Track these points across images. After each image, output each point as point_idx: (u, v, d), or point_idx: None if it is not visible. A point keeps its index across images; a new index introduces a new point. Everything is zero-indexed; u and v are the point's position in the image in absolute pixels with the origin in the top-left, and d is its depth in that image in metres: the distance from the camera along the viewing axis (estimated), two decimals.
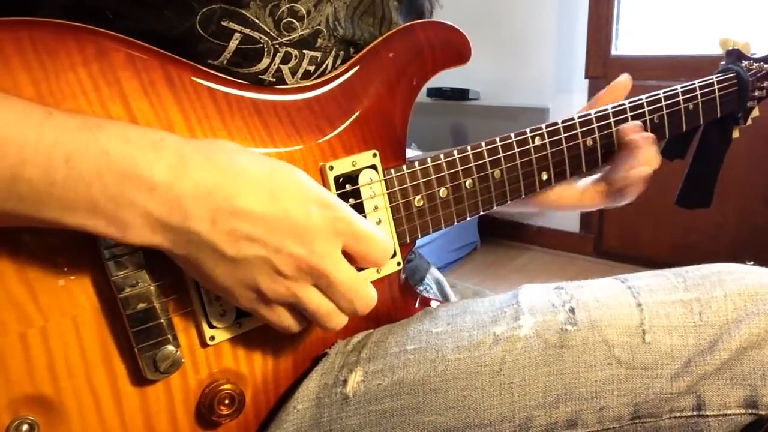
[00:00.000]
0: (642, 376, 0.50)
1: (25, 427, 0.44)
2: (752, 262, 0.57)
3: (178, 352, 0.48)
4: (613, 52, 2.72)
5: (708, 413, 0.49)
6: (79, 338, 0.46)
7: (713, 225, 2.54)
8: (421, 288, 0.80)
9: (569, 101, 2.82)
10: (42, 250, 0.44)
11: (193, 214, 0.42)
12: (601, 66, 2.73)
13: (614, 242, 2.86)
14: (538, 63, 2.91)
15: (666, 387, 0.49)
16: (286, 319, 0.48)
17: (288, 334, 0.50)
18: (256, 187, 0.44)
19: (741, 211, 2.49)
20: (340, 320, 0.49)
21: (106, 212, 0.41)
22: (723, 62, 0.85)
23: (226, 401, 0.50)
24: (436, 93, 3.02)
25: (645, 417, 0.50)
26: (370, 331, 0.59)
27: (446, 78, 2.98)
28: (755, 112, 0.87)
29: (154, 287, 0.47)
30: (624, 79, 0.75)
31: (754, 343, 0.49)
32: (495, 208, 0.66)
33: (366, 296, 0.49)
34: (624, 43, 2.74)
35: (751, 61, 0.85)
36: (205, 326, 0.50)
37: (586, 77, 2.77)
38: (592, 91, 2.76)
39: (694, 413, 0.49)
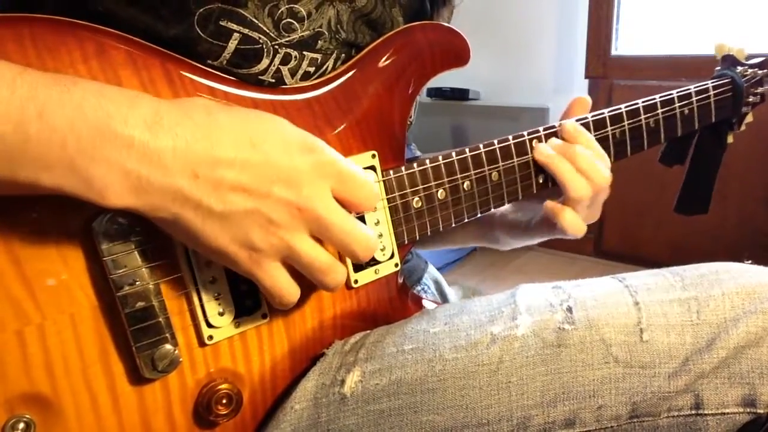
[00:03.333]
0: (640, 375, 0.50)
1: (21, 425, 0.44)
2: (750, 261, 0.57)
3: (176, 351, 0.48)
4: (613, 52, 2.73)
5: (706, 412, 0.49)
6: (77, 336, 0.45)
7: (713, 226, 2.54)
8: (419, 288, 0.80)
9: (569, 101, 2.82)
10: (40, 246, 0.44)
11: (174, 168, 0.41)
12: (601, 66, 2.73)
13: (614, 242, 2.86)
14: (538, 63, 2.91)
15: (664, 386, 0.49)
16: (282, 282, 0.46)
17: (285, 306, 0.48)
18: (235, 136, 0.43)
19: (741, 212, 2.49)
20: (338, 274, 0.48)
21: (81, 171, 0.39)
22: (718, 68, 0.86)
23: (224, 401, 0.50)
24: (436, 93, 3.02)
25: (643, 416, 0.50)
26: (368, 331, 0.59)
27: (446, 78, 2.97)
28: (749, 118, 0.88)
29: (152, 285, 0.47)
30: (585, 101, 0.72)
31: (752, 341, 0.49)
32: (492, 210, 0.66)
33: (365, 237, 0.47)
34: (624, 43, 2.74)
35: (746, 67, 0.85)
36: (203, 325, 0.50)
37: (586, 77, 2.78)
38: (592, 91, 2.77)
39: (693, 412, 0.49)
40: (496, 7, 2.95)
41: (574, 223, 0.65)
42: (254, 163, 0.43)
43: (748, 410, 0.49)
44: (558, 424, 0.50)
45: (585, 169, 0.64)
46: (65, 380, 0.45)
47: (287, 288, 0.47)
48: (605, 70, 2.73)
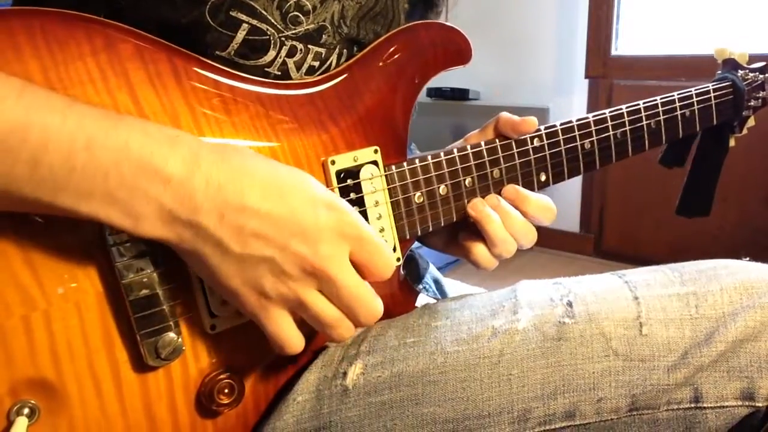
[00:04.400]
0: (639, 368, 0.50)
1: (26, 410, 0.44)
2: (748, 258, 0.57)
3: (180, 339, 0.48)
4: (613, 52, 2.73)
5: (705, 405, 0.50)
6: (82, 323, 0.46)
7: (713, 225, 2.54)
8: (420, 287, 0.80)
9: (569, 101, 2.83)
10: (47, 234, 0.44)
11: (203, 208, 0.43)
12: (601, 66, 2.74)
13: (614, 242, 2.86)
14: (538, 63, 2.91)
15: (663, 379, 0.50)
16: (286, 331, 0.47)
17: (286, 354, 0.48)
18: (265, 186, 0.45)
19: (741, 212, 2.50)
20: (345, 330, 0.48)
21: (120, 202, 0.41)
22: (719, 71, 0.86)
23: (226, 390, 0.51)
24: (436, 93, 3.02)
25: (642, 409, 0.50)
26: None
27: (447, 78, 2.97)
28: (751, 122, 0.88)
29: (157, 274, 0.47)
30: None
31: (750, 335, 0.50)
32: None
33: (371, 306, 0.48)
34: (624, 43, 2.74)
35: (747, 71, 0.86)
36: (206, 315, 0.50)
37: (586, 77, 2.78)
38: (592, 91, 2.77)
39: (692, 405, 0.50)
40: (496, 8, 2.96)
41: (488, 259, 0.63)
42: (278, 214, 0.44)
43: (747, 404, 0.49)
44: (558, 416, 0.50)
45: (515, 231, 0.62)
46: (70, 366, 0.45)
47: (290, 338, 0.48)
48: (605, 70, 2.73)
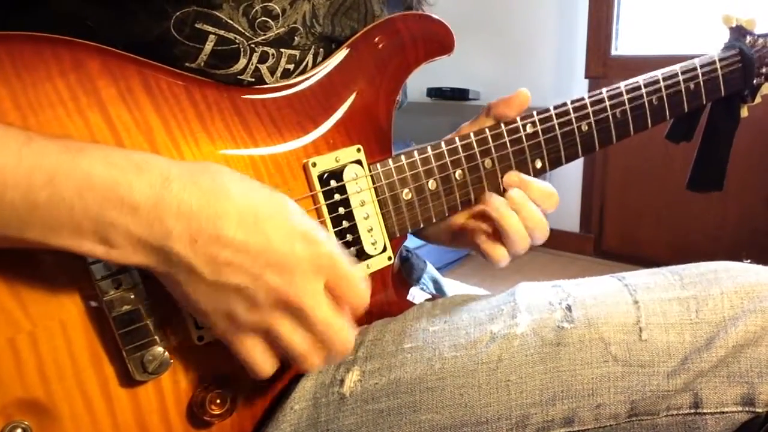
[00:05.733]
0: (639, 374, 0.50)
1: (18, 431, 0.44)
2: (749, 260, 0.57)
3: (166, 353, 0.48)
4: (613, 52, 2.73)
5: (705, 411, 0.49)
6: (68, 342, 0.46)
7: (713, 225, 2.54)
8: (418, 287, 0.80)
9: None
10: (28, 256, 0.44)
11: (173, 232, 0.42)
12: (601, 66, 2.74)
13: (614, 242, 2.86)
14: (538, 63, 2.91)
15: (663, 384, 0.49)
16: (257, 356, 0.46)
17: (258, 378, 0.48)
18: (240, 213, 0.43)
19: (741, 212, 2.49)
20: (314, 361, 0.47)
21: (89, 233, 0.41)
22: (726, 41, 0.82)
23: (218, 401, 0.50)
24: (436, 93, 3.02)
25: (642, 415, 0.50)
26: (365, 327, 0.59)
27: (446, 78, 3.00)
28: (764, 89, 0.83)
29: (138, 289, 0.47)
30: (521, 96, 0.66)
31: (751, 340, 0.49)
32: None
33: (344, 340, 0.47)
34: (624, 43, 2.74)
35: (756, 37, 0.81)
36: (192, 326, 0.49)
37: (586, 77, 2.78)
38: (592, 91, 2.76)
39: (691, 411, 0.49)
40: (496, 8, 2.96)
41: (504, 256, 0.63)
42: (253, 244, 0.43)
43: (747, 409, 0.49)
44: (557, 422, 0.50)
45: (531, 227, 0.62)
46: (59, 385, 0.45)
47: (262, 363, 0.47)
48: (605, 70, 2.73)
